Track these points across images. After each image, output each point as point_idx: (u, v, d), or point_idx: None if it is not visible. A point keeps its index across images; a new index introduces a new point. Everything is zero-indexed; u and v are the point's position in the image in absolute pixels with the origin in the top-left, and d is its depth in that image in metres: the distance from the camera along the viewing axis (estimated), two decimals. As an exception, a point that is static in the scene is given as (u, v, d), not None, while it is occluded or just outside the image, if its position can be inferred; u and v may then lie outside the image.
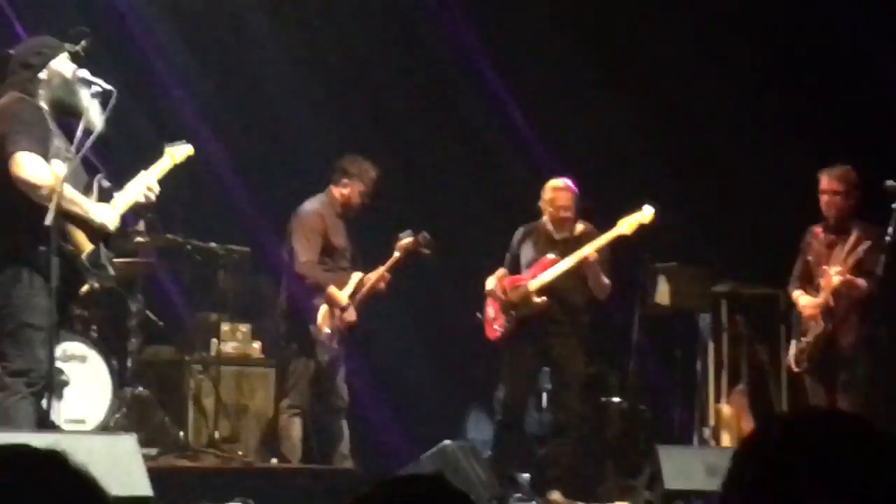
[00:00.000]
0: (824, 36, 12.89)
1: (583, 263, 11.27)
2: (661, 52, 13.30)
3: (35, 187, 7.89)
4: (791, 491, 2.07)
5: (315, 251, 11.70)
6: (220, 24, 13.99)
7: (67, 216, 8.07)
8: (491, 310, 11.64)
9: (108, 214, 8.27)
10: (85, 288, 8.82)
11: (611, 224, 11.37)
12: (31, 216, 7.82)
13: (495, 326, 11.63)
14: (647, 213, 11.35)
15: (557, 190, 11.53)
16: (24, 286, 7.94)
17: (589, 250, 11.25)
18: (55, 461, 2.23)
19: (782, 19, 13.15)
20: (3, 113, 8.08)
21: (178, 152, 8.79)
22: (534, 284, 11.42)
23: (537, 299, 11.42)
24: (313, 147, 13.29)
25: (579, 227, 11.58)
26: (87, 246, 8.17)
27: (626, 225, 11.36)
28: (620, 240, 11.43)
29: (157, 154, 8.74)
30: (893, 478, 2.10)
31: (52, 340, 8.10)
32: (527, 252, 11.66)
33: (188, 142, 8.93)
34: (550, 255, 11.49)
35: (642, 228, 11.39)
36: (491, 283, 11.64)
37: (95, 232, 8.21)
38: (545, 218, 11.60)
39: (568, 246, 11.46)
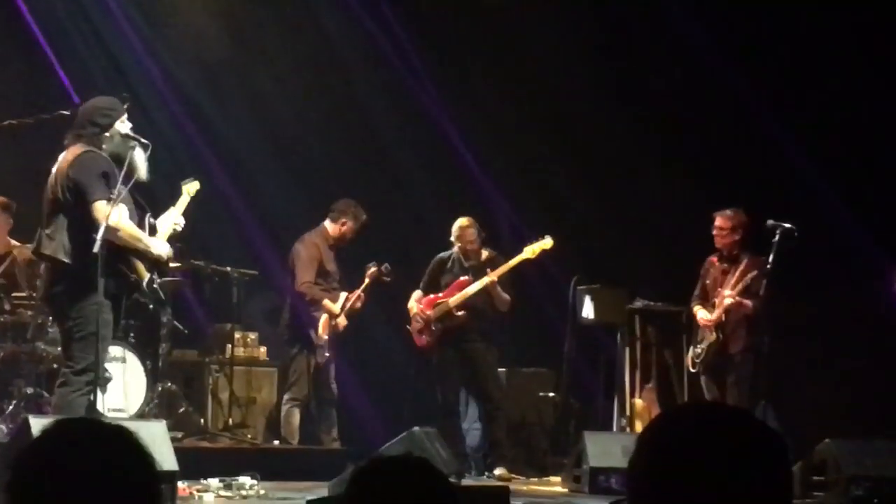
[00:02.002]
0: (724, 108, 12.95)
1: (488, 286, 11.35)
2: (594, 114, 13.26)
3: (114, 230, 7.99)
4: (679, 465, 2.09)
5: (312, 274, 11.78)
6: (239, 86, 13.96)
7: (134, 251, 8.21)
8: (416, 324, 11.69)
9: (164, 248, 8.41)
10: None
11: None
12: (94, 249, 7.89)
13: (423, 338, 11.67)
14: (547, 241, 11.42)
15: (464, 228, 11.65)
16: (93, 303, 7.97)
17: (493, 277, 11.34)
18: (122, 431, 2.31)
19: (691, 89, 13.17)
20: (82, 165, 8.11)
21: (191, 187, 8.85)
22: (453, 301, 11.49)
23: (458, 313, 11.48)
24: (309, 190, 13.27)
25: (485, 253, 11.69)
26: (145, 274, 8.28)
27: (531, 251, 11.42)
28: (525, 263, 11.50)
29: (176, 190, 8.79)
30: (760, 456, 2.10)
31: (104, 346, 8.26)
32: (446, 276, 11.74)
33: (210, 185, 8.92)
34: (463, 278, 11.55)
35: (544, 253, 11.46)
36: (413, 305, 11.70)
37: (150, 262, 8.31)
38: (456, 249, 11.68)
39: (478, 269, 11.54)
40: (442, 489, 2.73)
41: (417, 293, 11.81)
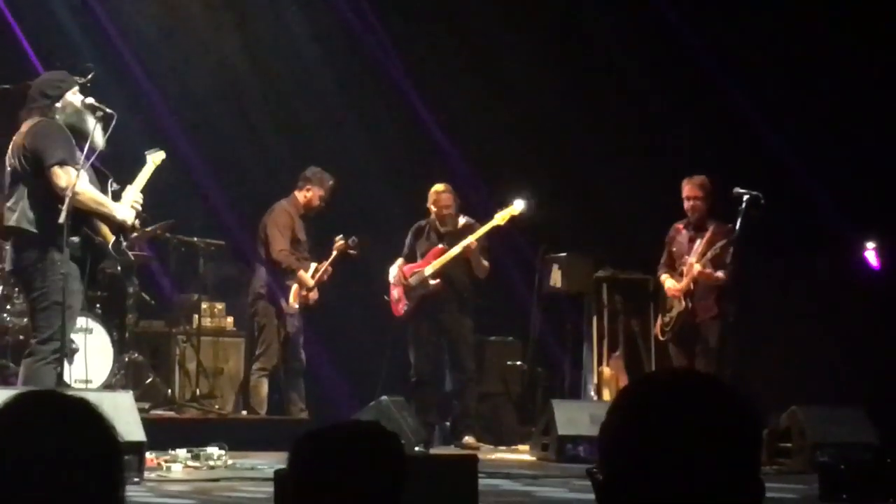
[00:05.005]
0: (684, 74, 12.94)
1: (466, 251, 11.38)
2: (556, 84, 13.27)
3: (75, 195, 8.01)
4: (650, 432, 2.09)
5: (287, 242, 11.72)
6: (205, 60, 13.85)
7: (97, 215, 8.27)
8: (395, 293, 11.70)
9: (127, 212, 8.42)
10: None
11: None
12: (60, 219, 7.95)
13: (401, 306, 11.68)
14: (517, 207, 11.49)
15: (439, 193, 11.67)
16: (58, 273, 8.02)
17: (470, 240, 11.35)
18: (84, 403, 2.26)
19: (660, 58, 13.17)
20: (36, 133, 8.19)
21: (156, 157, 8.82)
22: (428, 270, 11.51)
23: (433, 282, 11.50)
24: (276, 160, 13.21)
25: (462, 220, 11.69)
26: (110, 237, 8.32)
27: (500, 217, 11.48)
28: (496, 230, 11.52)
29: (139, 159, 8.79)
30: (730, 422, 2.04)
31: (72, 316, 8.30)
32: (421, 245, 11.77)
33: (175, 155, 8.92)
34: (439, 246, 11.56)
35: (514, 219, 11.51)
36: (393, 272, 11.72)
37: (115, 226, 8.35)
38: (433, 216, 11.69)
39: (454, 237, 11.55)
40: (391, 452, 2.71)
41: (399, 261, 11.81)
